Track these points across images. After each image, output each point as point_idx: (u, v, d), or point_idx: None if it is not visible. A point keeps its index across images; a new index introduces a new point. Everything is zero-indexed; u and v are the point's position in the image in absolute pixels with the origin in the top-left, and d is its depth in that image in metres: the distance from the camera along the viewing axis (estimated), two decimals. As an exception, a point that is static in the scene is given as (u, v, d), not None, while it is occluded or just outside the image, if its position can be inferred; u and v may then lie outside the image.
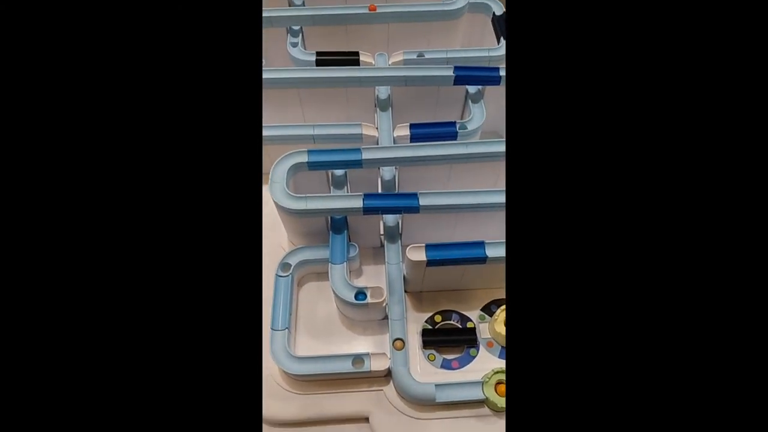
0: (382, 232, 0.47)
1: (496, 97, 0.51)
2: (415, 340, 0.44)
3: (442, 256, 0.40)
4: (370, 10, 0.54)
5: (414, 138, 0.48)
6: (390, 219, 0.45)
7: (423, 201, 0.42)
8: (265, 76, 0.48)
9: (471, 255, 0.40)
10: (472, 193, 0.42)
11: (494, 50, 0.52)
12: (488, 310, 0.45)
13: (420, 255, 0.40)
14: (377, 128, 0.49)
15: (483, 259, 0.40)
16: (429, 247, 0.40)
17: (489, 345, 0.44)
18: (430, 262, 0.40)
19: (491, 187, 0.42)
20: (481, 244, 0.40)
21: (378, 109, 0.51)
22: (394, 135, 0.48)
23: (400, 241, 0.45)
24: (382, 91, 0.51)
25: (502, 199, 0.42)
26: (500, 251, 0.40)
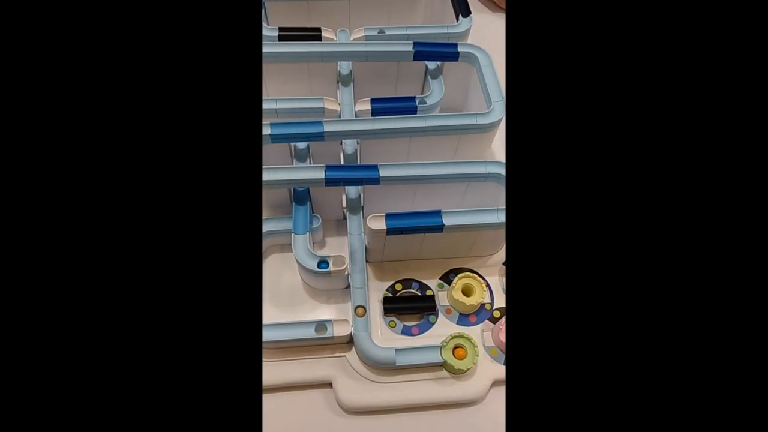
0: (344, 205, 0.48)
1: (455, 72, 0.52)
2: (376, 308, 0.45)
3: (401, 225, 0.41)
4: None
5: (375, 112, 0.49)
6: (352, 191, 0.46)
7: (383, 172, 0.43)
8: (226, 50, 0.48)
9: (428, 223, 0.41)
10: (431, 164, 0.43)
11: (453, 27, 0.53)
12: (447, 278, 0.47)
13: (380, 224, 0.41)
14: (339, 103, 0.50)
15: (440, 227, 0.42)
16: (389, 216, 0.41)
17: (448, 312, 0.46)
18: (390, 231, 0.41)
19: (449, 159, 0.44)
20: (438, 213, 0.42)
21: (340, 84, 0.52)
22: (356, 109, 0.49)
23: (361, 213, 0.46)
24: (344, 67, 0.52)
25: (459, 170, 0.43)
26: (456, 219, 0.41)
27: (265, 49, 0.50)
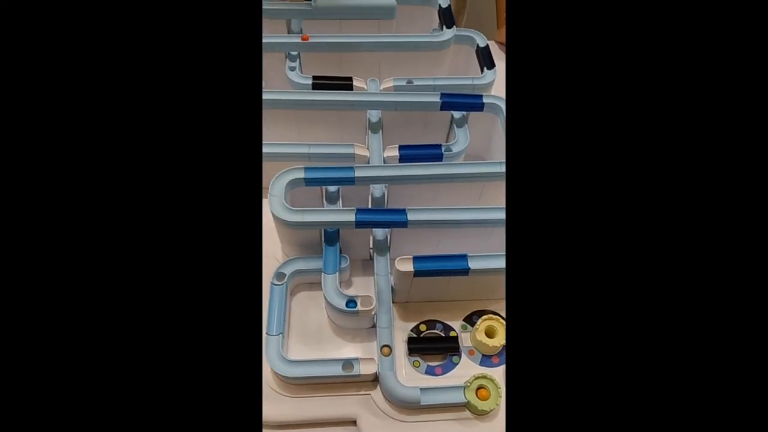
0: (371, 245, 0.50)
1: (479, 122, 0.55)
2: (401, 348, 0.47)
3: (428, 267, 0.43)
4: (302, 39, 0.57)
5: (402, 159, 0.51)
6: (379, 233, 0.48)
7: (411, 216, 0.45)
8: (265, 97, 0.52)
9: (455, 267, 0.43)
10: (456, 209, 0.45)
11: (478, 79, 0.56)
12: (470, 320, 0.48)
13: (408, 266, 0.43)
14: (368, 149, 0.52)
15: (466, 271, 0.43)
16: (416, 259, 0.43)
17: (471, 353, 0.47)
18: (417, 273, 0.43)
19: (473, 205, 0.46)
20: (464, 257, 0.43)
21: (369, 131, 0.55)
22: (384, 155, 0.52)
23: (388, 254, 0.48)
24: (374, 115, 0.55)
25: (483, 216, 0.45)
26: (482, 264, 0.43)
27: (298, 97, 0.53)
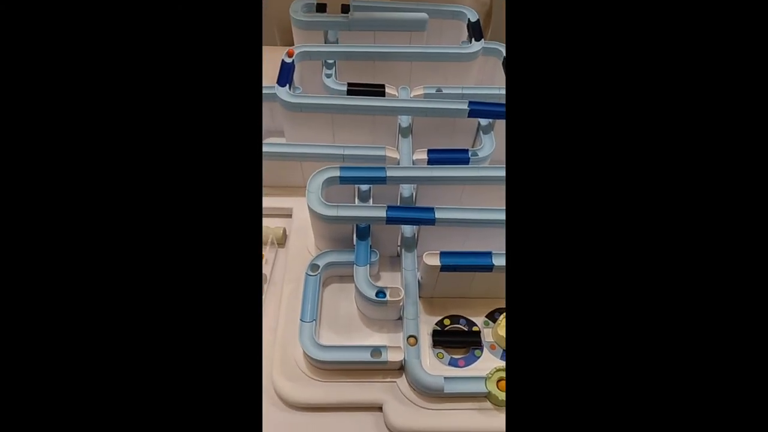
0: (399, 243, 0.53)
1: (505, 129, 0.58)
2: (425, 340, 0.49)
3: (454, 262, 0.45)
4: (288, 55, 0.60)
5: (431, 162, 0.54)
6: (407, 230, 0.51)
7: (439, 215, 0.47)
8: (302, 101, 0.55)
9: (479, 263, 0.45)
10: (481, 210, 0.48)
11: (504, 89, 0.59)
12: (492, 316, 0.51)
13: (435, 260, 0.46)
14: (399, 152, 0.55)
15: (490, 267, 0.46)
16: (443, 254, 0.46)
17: (492, 348, 0.49)
18: (444, 267, 0.46)
19: (498, 206, 0.48)
20: (488, 254, 0.46)
21: (400, 136, 0.58)
22: (414, 158, 0.55)
23: (415, 251, 0.51)
24: (404, 120, 0.58)
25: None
26: (505, 261, 0.45)
27: (334, 102, 0.56)
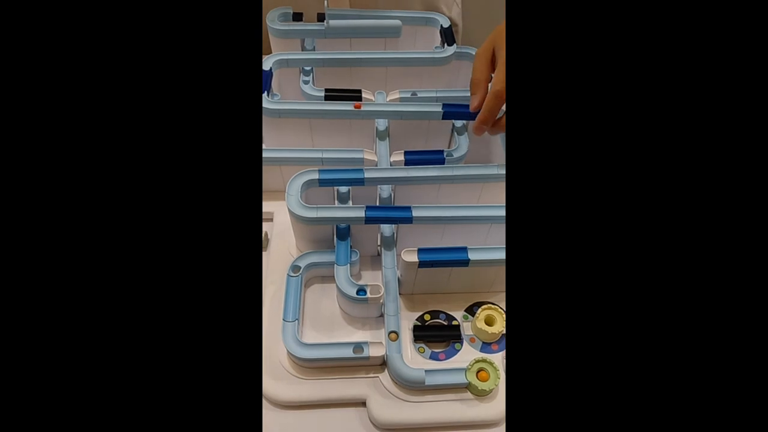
0: (379, 242, 0.54)
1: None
2: (407, 336, 0.50)
3: (431, 258, 0.47)
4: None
5: (408, 163, 0.56)
6: (386, 229, 0.53)
7: (416, 213, 0.49)
8: (281, 107, 0.56)
9: (456, 258, 0.47)
10: (458, 207, 0.49)
11: (477, 91, 0.61)
12: (471, 310, 0.52)
13: (413, 257, 0.47)
14: (377, 154, 0.57)
15: (466, 262, 0.47)
16: (421, 251, 0.47)
17: (471, 341, 0.50)
18: (422, 264, 0.47)
19: (473, 204, 0.50)
20: (464, 249, 0.47)
21: (377, 139, 0.59)
22: (391, 160, 0.56)
23: (395, 249, 0.52)
24: (381, 123, 0.60)
25: (482, 213, 0.49)
26: (480, 255, 0.47)
27: (312, 107, 0.58)
